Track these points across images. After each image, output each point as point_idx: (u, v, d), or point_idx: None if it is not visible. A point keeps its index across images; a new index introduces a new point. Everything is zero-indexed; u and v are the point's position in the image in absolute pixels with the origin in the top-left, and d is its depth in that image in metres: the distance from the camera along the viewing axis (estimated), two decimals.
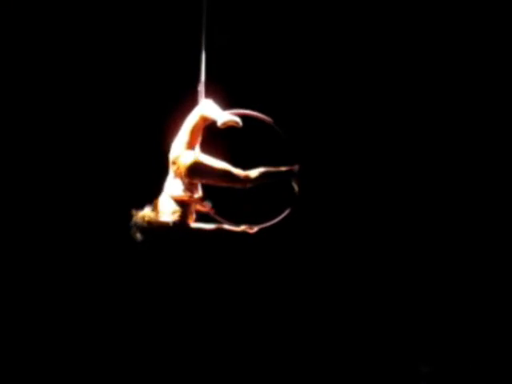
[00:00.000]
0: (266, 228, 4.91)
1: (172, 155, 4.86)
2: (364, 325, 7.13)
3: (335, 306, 7.15)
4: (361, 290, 7.17)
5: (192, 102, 5.03)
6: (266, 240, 5.50)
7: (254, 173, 4.84)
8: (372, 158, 7.10)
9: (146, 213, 4.71)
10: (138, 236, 4.68)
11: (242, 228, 4.91)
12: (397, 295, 7.12)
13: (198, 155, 4.83)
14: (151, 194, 4.84)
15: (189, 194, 4.77)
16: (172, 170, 4.84)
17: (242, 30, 6.67)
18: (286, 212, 4.91)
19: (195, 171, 4.75)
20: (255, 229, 4.90)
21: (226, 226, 4.93)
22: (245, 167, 4.84)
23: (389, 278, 7.15)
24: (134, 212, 4.73)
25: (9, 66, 6.78)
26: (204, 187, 4.90)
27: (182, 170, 4.75)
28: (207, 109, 4.92)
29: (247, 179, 4.82)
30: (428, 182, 7.12)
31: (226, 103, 5.05)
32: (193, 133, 4.89)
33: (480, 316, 6.95)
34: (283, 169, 4.92)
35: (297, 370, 7.09)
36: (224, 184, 4.83)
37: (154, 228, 4.66)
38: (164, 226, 4.68)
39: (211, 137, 5.06)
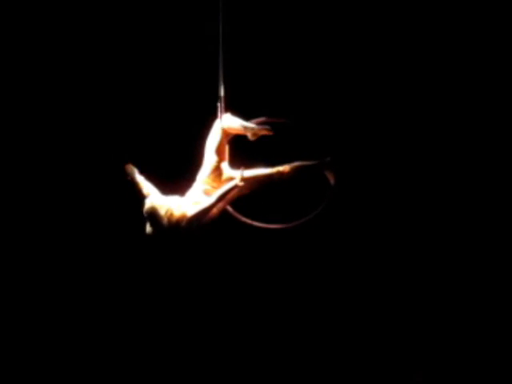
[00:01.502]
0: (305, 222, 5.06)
1: (204, 176, 4.95)
2: (360, 336, 7.13)
3: (332, 316, 7.19)
4: (360, 299, 7.19)
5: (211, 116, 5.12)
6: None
7: (287, 168, 5.03)
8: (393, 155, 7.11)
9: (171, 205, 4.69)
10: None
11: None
12: (394, 305, 7.14)
13: (241, 174, 4.83)
14: None
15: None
16: (203, 189, 4.91)
17: (258, 42, 6.79)
18: (323, 205, 5.04)
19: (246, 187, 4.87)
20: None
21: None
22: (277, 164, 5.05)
23: (388, 286, 7.16)
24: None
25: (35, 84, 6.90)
26: None
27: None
28: (230, 123, 4.99)
29: (282, 175, 5.01)
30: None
31: (245, 115, 5.12)
32: (219, 150, 4.97)
33: (479, 329, 6.95)
34: (315, 162, 5.08)
35: (293, 374, 7.10)
36: (263, 188, 4.99)
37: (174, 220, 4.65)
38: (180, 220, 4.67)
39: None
